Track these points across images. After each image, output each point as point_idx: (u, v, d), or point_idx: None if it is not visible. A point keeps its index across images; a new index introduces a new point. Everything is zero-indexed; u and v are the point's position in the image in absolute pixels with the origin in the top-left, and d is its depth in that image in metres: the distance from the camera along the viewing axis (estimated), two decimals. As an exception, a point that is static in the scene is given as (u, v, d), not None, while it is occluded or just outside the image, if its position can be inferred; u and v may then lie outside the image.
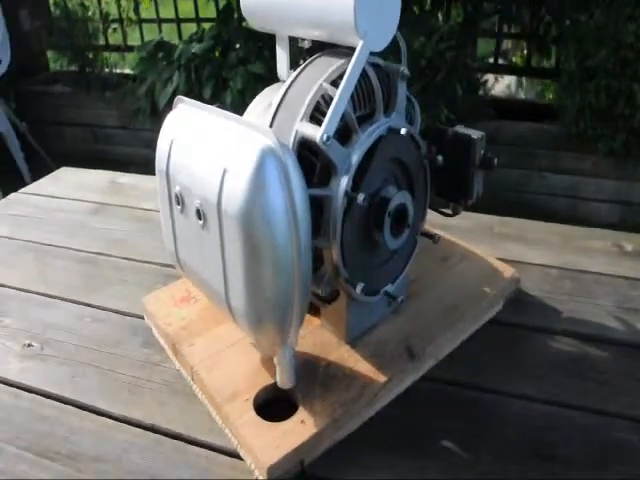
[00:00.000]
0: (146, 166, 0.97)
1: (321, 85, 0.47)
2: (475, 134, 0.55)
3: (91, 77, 2.51)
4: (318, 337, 0.62)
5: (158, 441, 0.55)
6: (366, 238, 0.54)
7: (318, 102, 0.48)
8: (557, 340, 0.66)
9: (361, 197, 0.47)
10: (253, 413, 0.54)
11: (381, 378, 0.57)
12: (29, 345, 0.67)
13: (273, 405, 0.55)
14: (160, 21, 2.55)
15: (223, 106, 0.50)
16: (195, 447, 0.55)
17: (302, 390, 0.56)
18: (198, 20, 2.48)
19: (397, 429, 0.56)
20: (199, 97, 2.14)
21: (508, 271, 0.72)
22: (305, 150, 0.48)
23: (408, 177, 0.56)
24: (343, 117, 0.47)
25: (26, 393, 0.61)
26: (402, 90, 0.51)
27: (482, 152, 0.56)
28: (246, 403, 0.55)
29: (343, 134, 0.49)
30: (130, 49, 2.52)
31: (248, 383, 0.57)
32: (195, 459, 0.53)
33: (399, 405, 0.58)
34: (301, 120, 0.47)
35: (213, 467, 0.53)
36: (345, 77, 0.45)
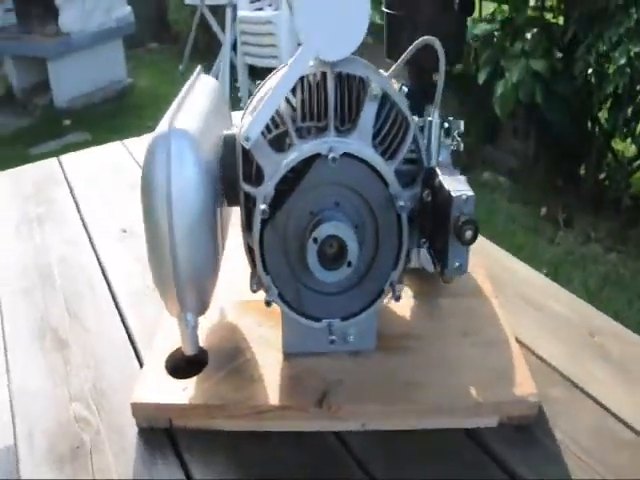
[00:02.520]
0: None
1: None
2: (460, 192, 0.44)
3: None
4: (272, 333, 0.61)
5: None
6: (302, 257, 0.51)
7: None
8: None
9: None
10: (165, 354, 0.58)
11: (275, 402, 0.54)
12: (124, 231, 0.87)
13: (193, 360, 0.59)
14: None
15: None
16: (131, 350, 0.64)
17: (212, 364, 0.58)
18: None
19: (260, 461, 0.52)
20: (474, 80, 2.07)
21: (525, 388, 0.55)
22: (247, 145, 0.48)
23: (373, 215, 0.49)
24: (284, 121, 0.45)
25: (96, 264, 0.80)
26: (369, 111, 0.45)
27: (458, 216, 0.44)
28: (173, 341, 0.59)
29: (285, 140, 0.46)
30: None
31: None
32: (125, 362, 0.62)
33: (290, 443, 0.54)
34: (250, 114, 0.47)
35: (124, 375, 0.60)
36: (278, 78, 0.43)
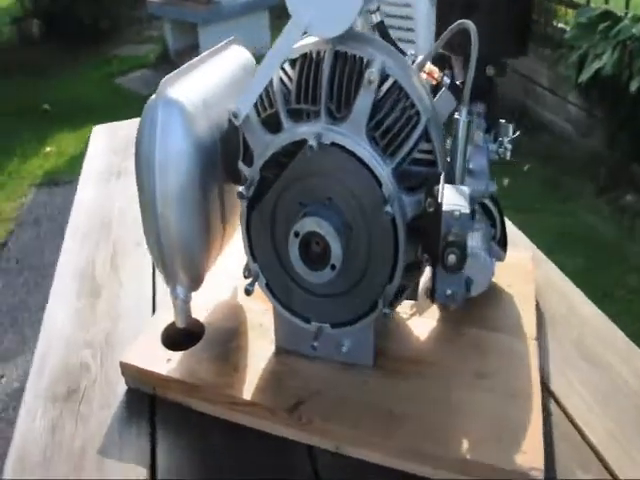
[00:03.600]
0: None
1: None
2: (453, 206, 0.36)
3: (537, 29, 2.38)
4: (273, 324, 0.58)
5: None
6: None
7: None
8: None
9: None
10: (167, 322, 0.59)
11: (248, 396, 0.51)
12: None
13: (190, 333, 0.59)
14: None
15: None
16: (151, 312, 0.66)
17: (204, 342, 0.57)
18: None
19: (223, 451, 0.50)
20: (624, 87, 1.78)
21: (529, 459, 0.45)
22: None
23: (365, 217, 0.43)
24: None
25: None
26: (364, 99, 0.38)
27: (445, 234, 0.36)
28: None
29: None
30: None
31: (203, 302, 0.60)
32: (141, 322, 0.64)
33: (259, 443, 0.51)
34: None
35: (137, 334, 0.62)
36: (268, 53, 0.38)
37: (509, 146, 0.49)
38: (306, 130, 0.40)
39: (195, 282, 0.53)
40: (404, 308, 0.60)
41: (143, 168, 0.44)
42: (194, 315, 0.60)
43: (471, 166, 0.46)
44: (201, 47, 3.22)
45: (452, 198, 0.37)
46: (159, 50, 3.52)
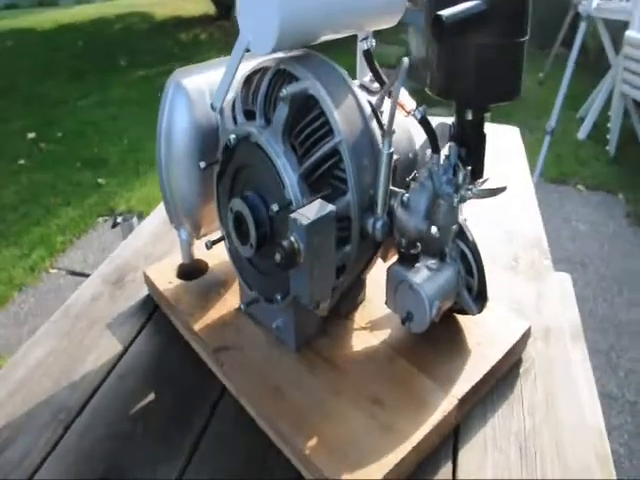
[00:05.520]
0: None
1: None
2: (301, 215, 0.41)
3: None
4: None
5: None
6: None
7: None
8: None
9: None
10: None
11: (197, 328, 0.63)
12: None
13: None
14: None
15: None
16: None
17: (200, 280, 0.71)
18: None
19: (176, 364, 0.64)
20: None
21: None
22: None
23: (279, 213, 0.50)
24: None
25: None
26: (280, 110, 0.45)
27: (288, 236, 0.42)
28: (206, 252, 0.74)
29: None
30: None
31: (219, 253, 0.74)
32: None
33: (196, 367, 0.63)
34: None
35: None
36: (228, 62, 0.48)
37: (467, 193, 0.49)
38: (244, 128, 0.49)
39: (195, 231, 0.67)
40: (363, 319, 0.64)
41: (158, 132, 0.59)
42: (209, 260, 0.74)
43: (406, 200, 0.48)
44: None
45: (310, 209, 0.42)
46: (401, 53, 3.71)
